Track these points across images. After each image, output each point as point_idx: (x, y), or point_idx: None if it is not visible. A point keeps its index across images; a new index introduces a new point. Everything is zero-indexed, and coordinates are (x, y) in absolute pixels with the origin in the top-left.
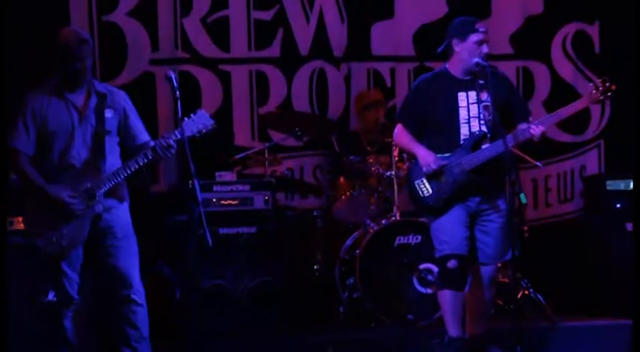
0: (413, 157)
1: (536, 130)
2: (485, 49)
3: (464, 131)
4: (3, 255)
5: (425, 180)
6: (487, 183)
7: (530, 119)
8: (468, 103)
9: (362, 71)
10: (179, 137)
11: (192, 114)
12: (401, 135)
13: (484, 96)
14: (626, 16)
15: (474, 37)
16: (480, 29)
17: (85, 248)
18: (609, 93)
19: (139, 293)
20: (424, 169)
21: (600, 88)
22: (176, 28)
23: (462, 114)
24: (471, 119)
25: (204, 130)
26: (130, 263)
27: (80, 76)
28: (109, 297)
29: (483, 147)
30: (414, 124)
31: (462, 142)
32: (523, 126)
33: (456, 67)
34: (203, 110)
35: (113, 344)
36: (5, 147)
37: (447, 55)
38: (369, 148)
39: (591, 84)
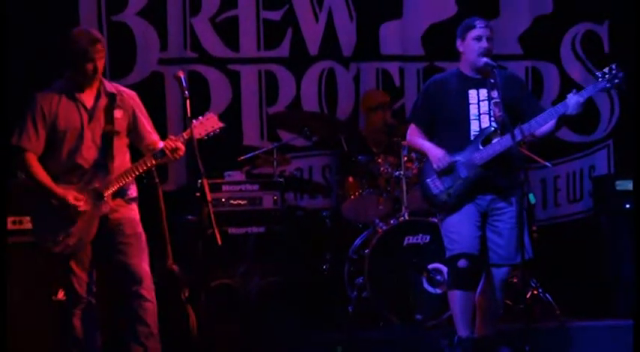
0: (425, 156)
1: (573, 98)
2: (484, 43)
3: (474, 127)
4: (3, 255)
5: (436, 177)
6: (498, 180)
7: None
8: (479, 100)
9: (371, 71)
10: (187, 139)
11: (200, 117)
12: (412, 134)
13: (494, 93)
14: (636, 16)
15: (471, 34)
16: (478, 25)
17: (94, 247)
18: (617, 81)
19: (149, 289)
20: (434, 166)
21: (607, 76)
22: (185, 28)
23: (472, 110)
24: (481, 115)
25: (212, 133)
26: (140, 259)
27: (91, 77)
28: (118, 294)
29: (493, 141)
30: (425, 123)
31: (472, 138)
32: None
33: (465, 66)
34: (212, 112)
35: (122, 341)
36: (13, 146)
37: (454, 56)
38: (374, 149)
39: (598, 72)
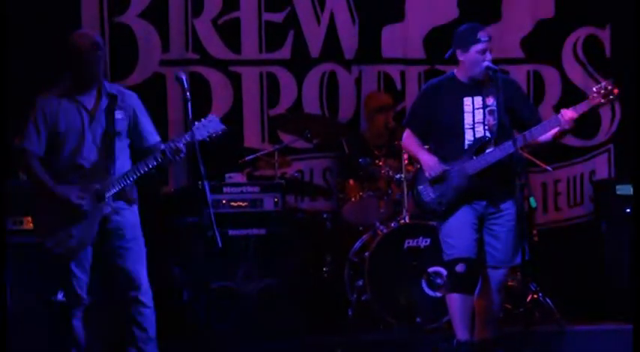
0: (418, 162)
1: (566, 114)
2: (488, 56)
3: (468, 136)
4: (3, 256)
5: (428, 185)
6: (491, 188)
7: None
8: (473, 108)
9: (372, 74)
10: (189, 141)
11: (203, 119)
12: (408, 139)
13: (490, 101)
14: (637, 20)
15: (476, 47)
16: (483, 39)
17: (94, 249)
18: (611, 97)
19: (146, 294)
20: (427, 174)
21: (602, 92)
22: (187, 30)
23: (467, 119)
24: (476, 124)
25: (214, 135)
26: (139, 264)
27: (91, 80)
28: (116, 298)
29: (487, 151)
30: (420, 129)
31: (466, 147)
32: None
33: (462, 73)
34: (214, 114)
35: (120, 345)
36: (15, 147)
37: (454, 60)
38: (376, 152)
39: (594, 87)
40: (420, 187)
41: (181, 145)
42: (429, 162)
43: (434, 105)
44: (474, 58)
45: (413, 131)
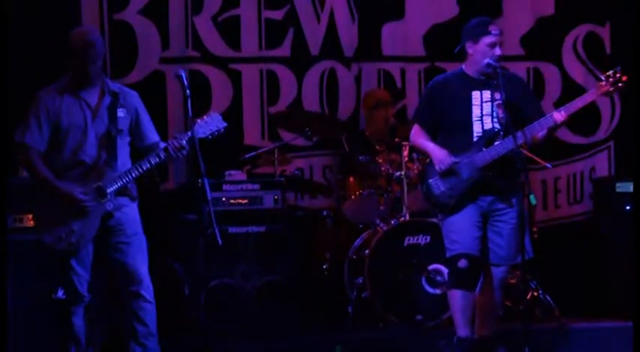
0: (428, 157)
1: (558, 116)
2: (498, 51)
3: (476, 128)
4: (3, 255)
5: (439, 178)
6: (499, 182)
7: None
8: (482, 102)
9: (372, 71)
10: (191, 138)
11: (204, 116)
12: (416, 135)
13: (498, 95)
14: (637, 17)
15: (486, 40)
16: (493, 32)
17: (95, 245)
18: (620, 84)
19: (148, 289)
20: (437, 167)
21: (610, 79)
22: (187, 27)
23: (475, 111)
24: (484, 117)
25: (216, 133)
26: (140, 259)
27: (88, 78)
28: (118, 294)
29: (496, 143)
30: (428, 124)
31: (475, 140)
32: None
33: (470, 68)
34: (216, 112)
35: (122, 340)
36: (17, 143)
37: (462, 56)
38: (378, 147)
39: (602, 75)
40: (431, 180)
41: (184, 142)
42: (440, 155)
43: (441, 101)
44: (483, 51)
45: (421, 126)
